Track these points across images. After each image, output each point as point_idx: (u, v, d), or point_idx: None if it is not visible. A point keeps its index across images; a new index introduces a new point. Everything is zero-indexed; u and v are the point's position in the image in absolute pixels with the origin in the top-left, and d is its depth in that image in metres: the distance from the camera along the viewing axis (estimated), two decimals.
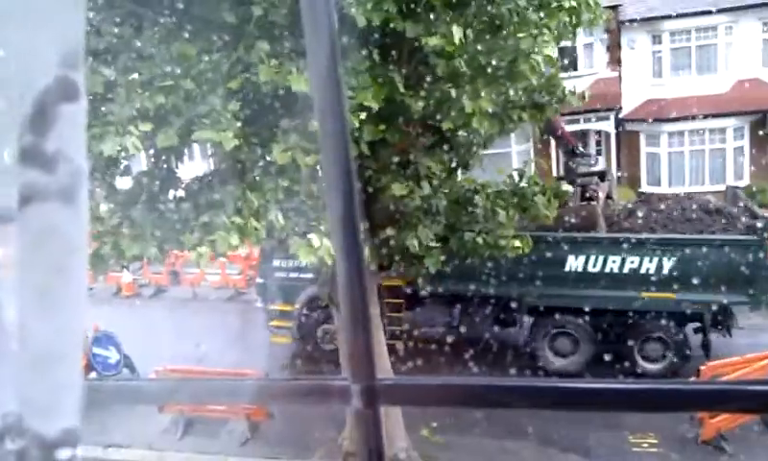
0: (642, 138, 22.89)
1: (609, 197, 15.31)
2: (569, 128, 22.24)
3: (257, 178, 7.01)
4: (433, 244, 8.68)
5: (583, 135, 23.70)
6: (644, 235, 12.82)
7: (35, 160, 0.55)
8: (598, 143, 23.84)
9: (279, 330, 14.66)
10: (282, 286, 14.30)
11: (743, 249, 11.98)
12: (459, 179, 10.13)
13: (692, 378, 10.91)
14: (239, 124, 6.40)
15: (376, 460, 1.10)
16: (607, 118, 22.50)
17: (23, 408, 0.58)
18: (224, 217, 6.61)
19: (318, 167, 7.14)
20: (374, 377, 1.08)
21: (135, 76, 6.39)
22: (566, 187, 12.17)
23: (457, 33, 6.86)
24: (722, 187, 21.62)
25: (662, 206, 14.14)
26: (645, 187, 22.12)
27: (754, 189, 21.32)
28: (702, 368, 10.73)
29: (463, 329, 13.34)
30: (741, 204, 14.21)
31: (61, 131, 0.56)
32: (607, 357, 12.73)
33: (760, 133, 21.51)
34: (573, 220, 12.59)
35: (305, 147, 6.57)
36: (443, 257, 9.08)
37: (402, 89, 7.29)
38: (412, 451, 10.44)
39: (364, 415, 1.09)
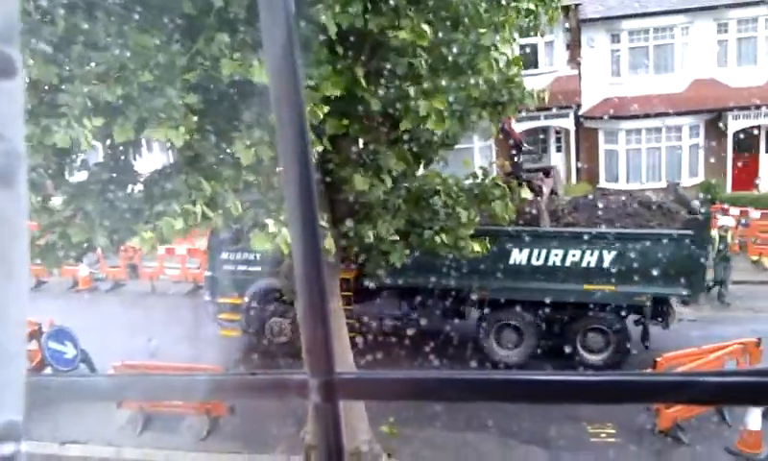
0: (601, 135, 23.29)
1: (553, 192, 15.63)
2: (529, 124, 22.60)
3: (215, 166, 6.92)
4: (393, 238, 8.70)
5: (543, 132, 24.03)
6: (586, 229, 13.12)
7: None
8: (558, 140, 24.17)
9: (229, 324, 14.53)
10: (231, 279, 14.20)
11: (681, 243, 12.34)
12: (421, 174, 10.15)
13: (648, 370, 11.14)
14: (195, 118, 6.30)
15: (335, 455, 1.09)
16: (567, 115, 22.83)
17: None
18: (176, 206, 6.49)
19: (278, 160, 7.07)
20: (333, 372, 1.07)
21: (91, 67, 6.24)
22: (526, 193, 12.37)
23: (427, 27, 6.88)
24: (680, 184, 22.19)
25: (606, 202, 14.52)
26: (604, 183, 22.51)
27: (708, 185, 21.89)
28: (658, 359, 10.95)
29: (412, 322, 13.54)
30: (682, 199, 14.57)
31: None
32: (551, 349, 13.17)
33: (714, 133, 22.07)
34: (518, 214, 12.76)
35: (269, 141, 6.50)
36: (407, 252, 9.11)
37: (364, 84, 7.27)
38: (375, 444, 10.46)
39: (323, 409, 1.07)
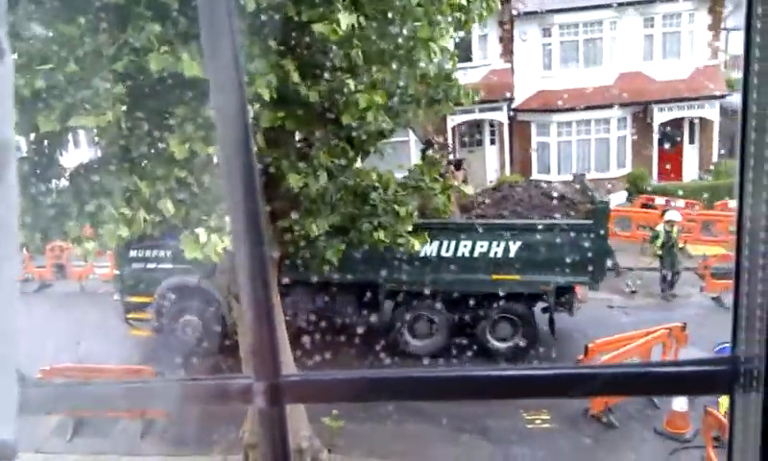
0: (533, 128, 23.74)
1: (464, 183, 15.94)
2: (463, 118, 22.85)
3: (149, 165, 6.71)
4: (329, 234, 8.62)
5: (478, 125, 24.34)
6: (493, 221, 13.51)
7: None
8: (492, 132, 24.51)
9: (139, 323, 14.26)
10: (140, 277, 13.93)
11: (582, 232, 12.80)
12: (358, 169, 10.10)
13: (580, 356, 11.44)
14: (124, 108, 6.09)
15: (282, 459, 1.04)
16: (500, 108, 23.16)
17: None
18: (111, 208, 6.27)
19: (212, 157, 6.93)
20: (279, 374, 1.02)
21: (14, 57, 5.95)
22: (467, 189, 12.53)
23: (344, 19, 6.79)
24: (605, 175, 22.86)
25: (513, 193, 14.94)
26: (536, 175, 22.95)
27: (635, 176, 22.64)
28: (590, 346, 11.24)
29: (327, 316, 13.56)
30: (585, 190, 15.04)
31: None
32: (462, 338, 13.40)
33: (640, 125, 22.83)
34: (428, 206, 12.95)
35: (203, 136, 6.34)
36: (342, 247, 9.06)
37: (297, 79, 7.17)
38: (315, 440, 10.39)
39: (268, 414, 1.03)
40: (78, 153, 10.08)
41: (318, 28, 6.73)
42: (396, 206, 9.15)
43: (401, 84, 8.22)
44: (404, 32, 8.05)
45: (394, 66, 8.10)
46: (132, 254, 13.87)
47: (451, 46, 9.76)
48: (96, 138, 8.11)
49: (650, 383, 0.90)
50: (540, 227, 13.06)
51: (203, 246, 6.78)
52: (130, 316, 14.24)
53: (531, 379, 0.96)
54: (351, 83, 7.35)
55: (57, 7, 6.18)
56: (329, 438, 10.68)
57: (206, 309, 13.75)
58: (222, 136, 0.97)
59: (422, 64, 8.29)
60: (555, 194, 14.72)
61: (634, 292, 16.23)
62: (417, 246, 9.59)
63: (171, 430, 11.24)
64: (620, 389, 0.93)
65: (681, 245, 19.11)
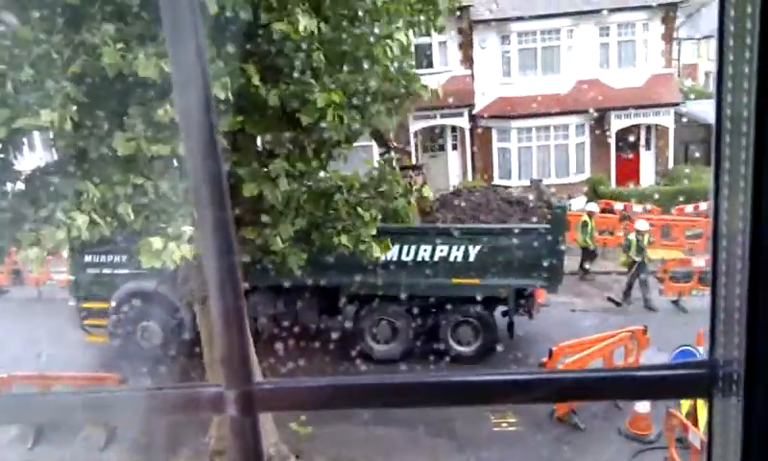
0: (494, 134, 23.96)
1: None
2: (425, 123, 22.97)
3: (106, 169, 6.57)
4: (287, 241, 8.53)
5: (440, 130, 24.49)
6: (452, 225, 13.59)
7: None
8: (454, 138, 24.68)
9: (95, 329, 13.98)
10: (96, 282, 13.68)
11: (539, 236, 12.97)
12: (321, 174, 10.03)
13: (544, 359, 11.55)
14: (75, 108, 5.95)
15: None
16: (461, 114, 23.34)
17: None
18: (59, 213, 6.12)
19: (172, 161, 6.84)
20: (252, 382, 0.99)
21: None
22: (428, 192, 12.56)
23: (303, 20, 6.77)
24: (565, 180, 23.19)
25: (471, 198, 15.11)
26: (497, 180, 23.17)
27: (594, 181, 22.99)
28: (553, 349, 11.36)
29: (288, 320, 13.49)
30: (542, 195, 15.27)
31: None
32: (425, 342, 13.50)
33: (598, 131, 23.23)
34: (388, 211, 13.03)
35: (151, 137, 6.24)
36: (304, 256, 8.99)
37: (257, 82, 7.11)
38: (281, 446, 10.28)
39: (240, 423, 1.00)
40: (34, 156, 9.84)
41: (279, 26, 6.69)
42: (359, 210, 9.10)
43: (361, 82, 8.19)
44: (365, 31, 8.04)
45: (354, 67, 8.08)
46: (88, 259, 13.60)
47: (408, 42, 9.72)
48: (52, 141, 7.94)
49: (627, 387, 0.90)
50: (498, 231, 13.21)
51: (159, 253, 6.66)
52: (86, 322, 13.93)
53: (504, 384, 0.96)
54: (313, 84, 7.31)
55: (9, 8, 6.03)
56: (297, 443, 10.58)
57: (165, 315, 13.53)
58: (187, 141, 0.94)
59: (381, 61, 8.29)
60: (513, 199, 14.90)
61: (619, 304, 16.11)
62: (378, 252, 9.55)
63: (135, 438, 10.99)
64: (597, 393, 0.93)
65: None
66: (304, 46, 7.20)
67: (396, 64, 8.82)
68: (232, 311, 0.99)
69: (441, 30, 9.88)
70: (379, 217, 9.66)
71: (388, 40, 8.15)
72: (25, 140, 7.36)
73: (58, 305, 16.17)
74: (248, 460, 1.02)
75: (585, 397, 0.92)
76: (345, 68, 7.93)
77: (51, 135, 7.19)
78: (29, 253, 6.20)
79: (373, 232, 9.42)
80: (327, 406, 1.06)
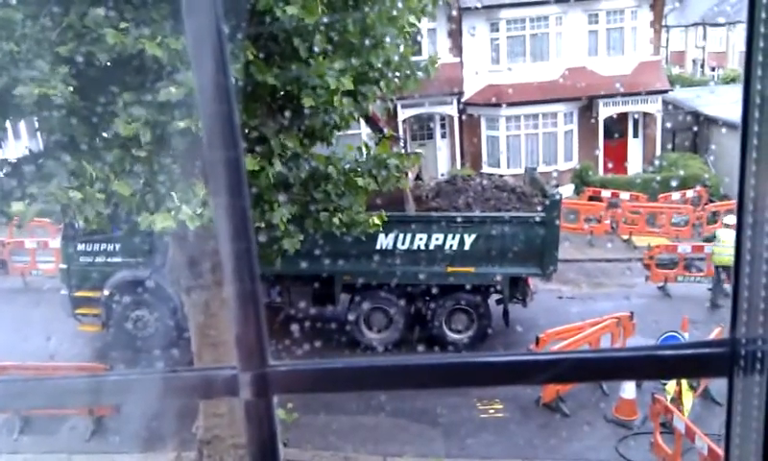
0: (483, 122, 23.98)
1: (418, 177, 16.14)
2: (414, 111, 22.94)
3: (96, 148, 6.51)
4: (286, 223, 8.47)
5: (429, 118, 24.46)
6: (448, 214, 13.66)
7: None
8: (443, 126, 24.67)
9: (87, 318, 13.89)
10: (88, 271, 13.59)
11: (533, 225, 13.08)
12: (315, 155, 9.92)
13: (531, 346, 11.63)
14: (70, 89, 5.90)
15: (270, 455, 1.01)
16: (450, 102, 23.34)
17: None
18: (52, 188, 6.06)
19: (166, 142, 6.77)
20: (267, 364, 0.98)
21: None
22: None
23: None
24: (553, 168, 23.25)
25: (466, 186, 15.13)
26: (486, 168, 23.19)
27: (582, 169, 23.09)
28: (541, 335, 11.43)
29: (283, 309, 13.53)
30: (536, 183, 15.32)
31: None
32: (419, 330, 13.62)
33: (586, 119, 23.30)
34: (383, 199, 12.98)
35: (151, 119, 6.18)
36: (300, 237, 8.92)
37: (254, 67, 7.05)
38: None
39: (255, 405, 0.99)
40: (19, 145, 9.73)
41: (291, 10, 6.62)
42: (353, 176, 8.94)
43: (367, 64, 8.15)
44: (370, 14, 7.99)
45: (357, 50, 8.04)
46: (81, 247, 13.51)
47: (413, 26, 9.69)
48: (36, 125, 7.83)
49: (649, 366, 0.90)
50: (494, 219, 13.22)
51: (176, 211, 6.55)
52: (78, 311, 13.81)
53: (526, 364, 0.95)
54: (315, 66, 7.25)
55: None
56: (284, 431, 10.58)
57: (158, 304, 13.46)
58: (205, 120, 0.93)
59: (387, 45, 8.27)
60: (507, 187, 14.91)
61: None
62: (376, 221, 9.41)
63: (122, 427, 10.96)
64: (617, 373, 0.93)
65: (625, 237, 19.63)
66: (308, 30, 7.14)
67: (399, 48, 8.81)
68: (248, 293, 0.98)
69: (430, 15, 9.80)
70: (372, 185, 9.44)
71: (393, 24, 8.12)
72: (9, 126, 7.26)
73: (45, 295, 16.08)
74: (262, 443, 1.02)
75: (605, 377, 0.93)
76: (350, 52, 7.88)
77: (35, 122, 7.14)
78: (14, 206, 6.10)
79: (363, 208, 9.22)
80: (342, 388, 1.06)
